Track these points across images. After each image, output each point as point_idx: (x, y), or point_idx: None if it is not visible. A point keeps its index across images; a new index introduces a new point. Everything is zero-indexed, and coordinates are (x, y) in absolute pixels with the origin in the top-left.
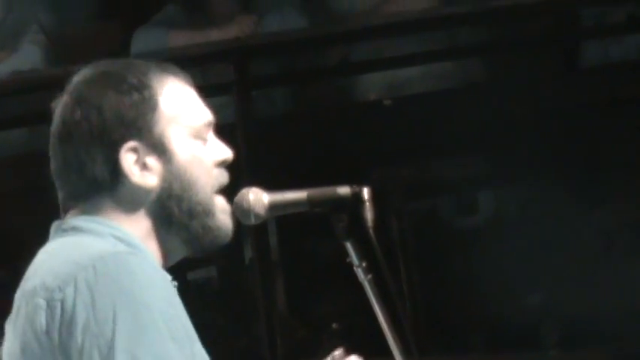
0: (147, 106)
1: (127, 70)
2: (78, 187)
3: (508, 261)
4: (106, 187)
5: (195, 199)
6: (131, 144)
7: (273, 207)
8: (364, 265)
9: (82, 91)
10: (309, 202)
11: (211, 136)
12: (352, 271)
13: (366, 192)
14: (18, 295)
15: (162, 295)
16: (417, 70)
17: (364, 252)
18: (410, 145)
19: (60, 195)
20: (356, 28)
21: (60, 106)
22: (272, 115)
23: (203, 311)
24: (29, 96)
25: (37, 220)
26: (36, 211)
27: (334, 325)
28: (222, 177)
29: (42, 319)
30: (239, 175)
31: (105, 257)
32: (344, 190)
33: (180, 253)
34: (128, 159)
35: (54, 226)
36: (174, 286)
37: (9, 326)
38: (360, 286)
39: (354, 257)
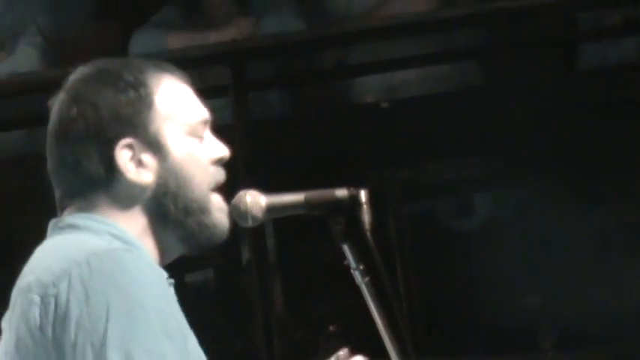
0: (143, 103)
1: (123, 68)
2: (74, 185)
3: (506, 262)
4: (101, 184)
5: (191, 197)
6: (127, 141)
7: (270, 209)
8: (361, 267)
9: (78, 89)
10: (307, 204)
11: (208, 134)
12: (349, 273)
13: (363, 194)
14: (14, 293)
15: (157, 292)
16: (414, 73)
17: (361, 254)
18: (407, 148)
19: (57, 193)
20: (353, 30)
21: (57, 103)
22: (269, 118)
23: (200, 313)
24: (27, 97)
25: (34, 221)
26: (34, 212)
27: (331, 327)
28: (219, 174)
29: (36, 315)
30: (236, 177)
31: (99, 254)
32: (341, 192)
33: (176, 250)
34: (124, 156)
35: (51, 224)
36: (171, 284)
37: (5, 323)
38: (357, 288)
39: (351, 259)
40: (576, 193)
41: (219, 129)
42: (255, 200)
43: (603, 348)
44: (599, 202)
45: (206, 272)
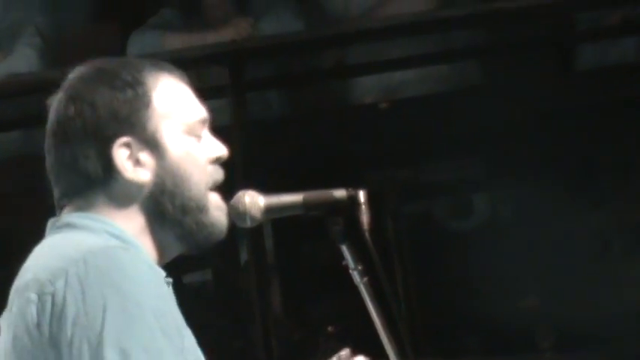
0: (140, 102)
1: (121, 67)
2: (72, 184)
3: (504, 263)
4: (99, 183)
5: (188, 195)
6: (124, 139)
7: (269, 210)
8: (360, 267)
9: (76, 88)
10: (305, 204)
11: (206, 133)
12: (348, 273)
13: (361, 195)
14: (12, 292)
15: (153, 290)
16: (412, 73)
17: (360, 255)
18: (406, 148)
19: (55, 193)
20: (352, 30)
21: (55, 103)
22: (268, 118)
23: (199, 313)
24: (25, 98)
25: (32, 222)
26: (32, 213)
27: (330, 328)
28: (217, 174)
29: (33, 313)
30: (235, 177)
31: (96, 251)
32: (340, 193)
33: (175, 249)
34: (121, 154)
35: (49, 223)
36: (169, 283)
37: (3, 323)
38: (355, 289)
39: (349, 260)
40: (575, 193)
41: (218, 129)
42: (253, 201)
43: (601, 348)
44: (598, 202)
45: (204, 273)
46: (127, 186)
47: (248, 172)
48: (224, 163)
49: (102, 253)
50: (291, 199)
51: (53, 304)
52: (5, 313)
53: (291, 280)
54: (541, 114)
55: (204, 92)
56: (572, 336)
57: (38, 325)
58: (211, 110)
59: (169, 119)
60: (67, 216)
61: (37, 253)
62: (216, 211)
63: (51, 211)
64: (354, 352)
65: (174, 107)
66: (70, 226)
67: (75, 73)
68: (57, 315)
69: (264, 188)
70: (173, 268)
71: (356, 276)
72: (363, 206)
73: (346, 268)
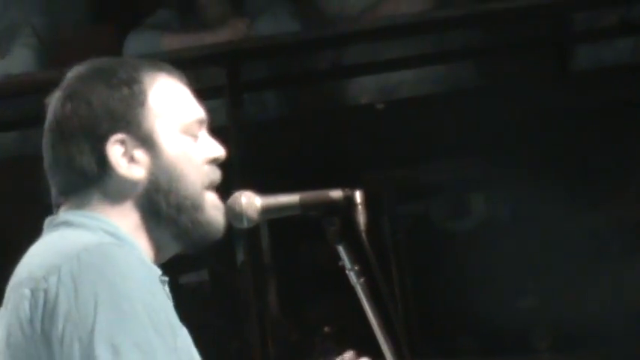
0: (136, 100)
1: (118, 65)
2: (67, 181)
3: (501, 263)
4: (93, 180)
5: (184, 194)
6: (119, 136)
7: (265, 210)
8: (356, 268)
9: (73, 86)
10: (302, 205)
11: (204, 134)
12: (344, 274)
13: (358, 195)
14: (8, 289)
15: (146, 286)
16: (409, 74)
17: (356, 255)
18: (402, 148)
19: (52, 191)
20: (348, 31)
21: (53, 101)
22: (264, 119)
23: (195, 314)
24: (21, 99)
25: (29, 223)
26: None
27: (326, 328)
28: (214, 174)
29: (26, 309)
30: (231, 178)
31: (90, 248)
32: (336, 193)
33: (171, 248)
34: (115, 151)
35: (46, 221)
36: (165, 282)
37: None
38: (352, 290)
39: (346, 260)
40: (573, 194)
41: (214, 130)
42: (250, 201)
43: (599, 349)
44: (595, 203)
45: (201, 273)
46: (121, 183)
47: (244, 173)
48: (221, 164)
49: (95, 249)
50: (288, 200)
51: (46, 300)
52: (1, 311)
53: (288, 280)
54: (538, 114)
55: (200, 93)
56: (569, 337)
57: (31, 321)
58: (208, 111)
59: (165, 118)
60: (64, 214)
61: (33, 250)
62: (213, 210)
63: (48, 211)
64: (358, 355)
65: (171, 106)
66: (66, 224)
67: (73, 72)
68: (49, 311)
69: (261, 189)
70: (169, 268)
71: (352, 276)
72: (360, 207)
73: (343, 268)
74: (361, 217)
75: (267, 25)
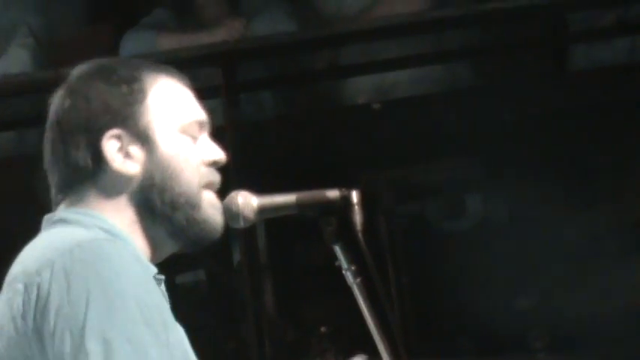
0: (134, 97)
1: (119, 64)
2: (64, 177)
3: (498, 264)
4: (89, 175)
5: (178, 191)
6: (115, 131)
7: (262, 210)
8: (353, 268)
9: (74, 83)
10: (298, 205)
11: (205, 137)
12: (341, 274)
13: (354, 195)
14: (3, 286)
15: (138, 282)
16: (405, 74)
17: (353, 255)
18: (399, 149)
19: (52, 190)
20: (345, 31)
21: (54, 99)
22: (261, 119)
23: (191, 314)
24: (18, 99)
25: (25, 223)
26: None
27: (323, 329)
28: (212, 175)
29: (19, 303)
30: (228, 178)
31: (83, 244)
32: (333, 193)
33: (168, 246)
34: (111, 145)
35: (45, 219)
36: (162, 281)
37: None
38: (348, 289)
39: (342, 260)
40: (569, 194)
41: (211, 130)
42: (246, 201)
43: (595, 349)
44: (592, 203)
45: (197, 273)
46: (115, 178)
47: (241, 173)
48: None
49: (89, 245)
50: (284, 200)
51: (38, 294)
52: None
53: (284, 280)
54: (535, 114)
55: (197, 93)
56: (566, 337)
57: (23, 315)
58: (204, 111)
59: (163, 116)
60: (61, 212)
61: (29, 248)
62: (210, 209)
63: (44, 211)
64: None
65: (170, 106)
66: (62, 221)
67: (75, 71)
68: (41, 305)
69: (257, 188)
70: (166, 267)
71: (349, 276)
72: (356, 206)
73: (339, 268)
74: (358, 217)
75: (264, 25)
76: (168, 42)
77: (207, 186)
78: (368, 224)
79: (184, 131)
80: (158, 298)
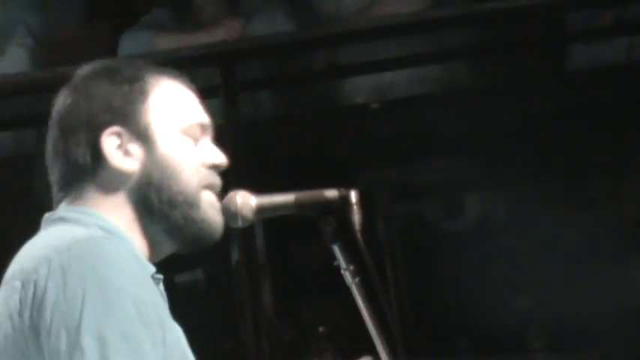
0: (136, 96)
1: (123, 65)
2: (64, 174)
3: (496, 263)
4: (88, 172)
5: (176, 189)
6: (115, 129)
7: (260, 210)
8: (351, 268)
9: (77, 82)
10: (297, 205)
11: (207, 140)
12: (339, 274)
13: (353, 195)
14: (2, 284)
15: (135, 279)
16: (404, 74)
17: (352, 255)
18: (397, 149)
19: (52, 187)
20: (343, 31)
21: (58, 97)
22: (259, 119)
23: (190, 313)
24: (16, 99)
25: (22, 223)
26: (22, 213)
27: (321, 328)
28: (212, 177)
29: (16, 300)
30: (226, 178)
31: (80, 241)
32: (331, 193)
33: (166, 245)
34: (110, 142)
35: (44, 218)
36: (160, 280)
37: None
38: (347, 289)
39: (341, 260)
40: (567, 193)
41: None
42: (245, 201)
43: (593, 349)
44: (590, 202)
45: (195, 273)
46: (113, 174)
47: (239, 173)
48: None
49: (86, 242)
50: (283, 199)
51: (35, 291)
52: None
53: (283, 280)
54: (533, 114)
55: (195, 92)
56: (564, 336)
57: (20, 312)
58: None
59: (165, 117)
60: (61, 210)
61: (28, 245)
62: (210, 209)
63: (42, 210)
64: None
65: (172, 107)
66: (62, 220)
67: (80, 70)
68: (38, 302)
69: (256, 188)
70: (164, 267)
71: (348, 276)
72: (355, 206)
73: (338, 268)
74: (356, 217)
75: (262, 25)
76: (167, 42)
77: (207, 187)
78: (366, 224)
79: (185, 132)
80: (155, 296)
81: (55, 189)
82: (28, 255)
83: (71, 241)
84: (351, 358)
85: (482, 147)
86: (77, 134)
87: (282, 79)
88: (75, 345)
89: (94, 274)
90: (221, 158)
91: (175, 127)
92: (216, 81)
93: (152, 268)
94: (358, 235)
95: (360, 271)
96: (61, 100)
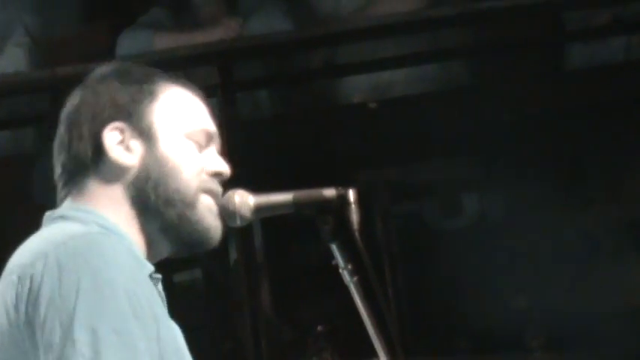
0: (143, 96)
1: (136, 67)
2: (67, 168)
3: (494, 263)
4: (88, 166)
5: (174, 188)
6: (118, 124)
7: (258, 209)
8: (350, 267)
9: (89, 82)
10: (295, 204)
11: (212, 149)
12: (338, 273)
13: (351, 194)
14: (0, 280)
15: (130, 275)
16: (402, 73)
17: (350, 254)
18: (395, 148)
19: (57, 185)
20: (341, 30)
21: (69, 97)
22: (257, 118)
23: (188, 313)
24: (13, 98)
25: (20, 222)
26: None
27: (319, 328)
28: (214, 184)
29: (12, 294)
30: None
31: (76, 236)
32: (329, 192)
33: (162, 244)
34: (112, 137)
35: (45, 216)
36: (159, 280)
37: None
38: (345, 289)
39: (339, 259)
40: (565, 193)
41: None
42: (243, 200)
43: (591, 348)
44: (588, 202)
45: (194, 272)
46: (112, 167)
47: (237, 172)
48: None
49: (82, 237)
50: (281, 199)
51: (31, 285)
52: None
53: (281, 279)
54: (531, 113)
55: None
56: (561, 336)
57: (16, 305)
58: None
59: (170, 119)
60: (62, 209)
61: (27, 242)
62: (207, 213)
63: (39, 210)
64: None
65: (179, 111)
66: (62, 218)
67: (94, 71)
68: (33, 295)
69: (254, 187)
70: (163, 266)
71: (346, 275)
72: (353, 205)
73: (336, 267)
74: (354, 216)
75: (260, 24)
76: (165, 41)
77: (207, 192)
78: (365, 223)
79: (190, 137)
80: (149, 291)
81: (58, 186)
82: (26, 250)
83: (68, 236)
84: (350, 358)
85: (480, 146)
86: (81, 128)
87: (280, 79)
88: (67, 338)
89: (88, 268)
90: (224, 167)
91: (180, 131)
92: (214, 80)
93: (150, 267)
94: (356, 234)
95: (358, 270)
96: (71, 99)
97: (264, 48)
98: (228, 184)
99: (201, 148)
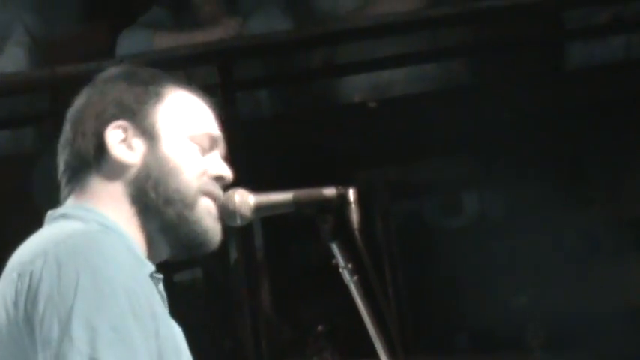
0: (149, 97)
1: (143, 69)
2: (70, 165)
3: (493, 262)
4: (91, 163)
5: (174, 187)
6: (121, 123)
7: (258, 208)
8: (350, 266)
9: (96, 82)
10: (295, 203)
11: (216, 154)
12: (338, 272)
13: (351, 193)
14: (1, 278)
15: (129, 273)
16: (401, 72)
17: (350, 253)
18: (395, 147)
19: (60, 183)
20: (340, 29)
21: (77, 97)
22: (257, 117)
23: (188, 312)
24: (13, 98)
25: (20, 222)
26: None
27: (319, 327)
28: (215, 187)
29: (12, 291)
30: None
31: (76, 234)
32: (329, 191)
33: (162, 245)
34: (114, 135)
35: (47, 215)
36: (160, 279)
37: None
38: (345, 288)
39: (339, 258)
40: (565, 192)
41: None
42: (243, 199)
43: (591, 347)
44: (588, 201)
45: (194, 271)
46: (113, 165)
47: (237, 171)
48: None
49: (82, 235)
50: (281, 198)
51: (30, 282)
52: None
53: (281, 278)
54: (531, 112)
55: (193, 91)
56: (561, 335)
57: (15, 302)
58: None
59: (175, 121)
60: (64, 208)
61: (28, 240)
62: (206, 215)
63: (39, 210)
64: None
65: (184, 114)
66: (63, 216)
67: (102, 72)
68: (32, 292)
69: (254, 187)
70: (163, 265)
71: (346, 274)
72: (353, 205)
73: (336, 266)
74: (354, 215)
75: (260, 23)
76: (165, 41)
77: (207, 194)
78: (365, 222)
79: (193, 140)
80: (148, 290)
81: (62, 183)
82: (26, 248)
83: (68, 234)
84: (350, 358)
85: (480, 145)
86: (84, 126)
87: (280, 78)
88: (65, 334)
89: (87, 265)
90: (227, 171)
91: (184, 133)
92: (214, 80)
93: (151, 266)
94: (356, 233)
95: (358, 270)
96: (78, 98)
97: (264, 47)
98: (228, 184)
99: (205, 151)
